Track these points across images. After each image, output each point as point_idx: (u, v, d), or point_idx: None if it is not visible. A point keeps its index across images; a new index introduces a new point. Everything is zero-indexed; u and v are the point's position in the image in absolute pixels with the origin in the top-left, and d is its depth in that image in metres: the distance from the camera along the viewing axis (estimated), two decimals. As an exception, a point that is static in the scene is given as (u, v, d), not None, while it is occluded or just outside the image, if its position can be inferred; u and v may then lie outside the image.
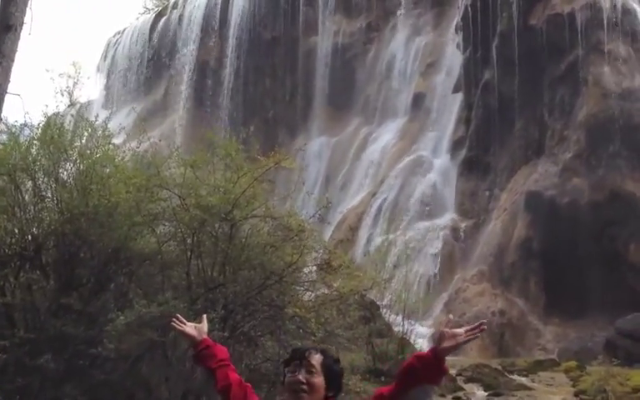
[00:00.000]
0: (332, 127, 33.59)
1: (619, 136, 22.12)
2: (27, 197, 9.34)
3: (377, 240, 23.91)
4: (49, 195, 9.41)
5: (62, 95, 42.31)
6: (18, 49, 6.93)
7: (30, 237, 9.20)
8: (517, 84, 25.21)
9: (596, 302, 19.99)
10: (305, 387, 2.51)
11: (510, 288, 22.14)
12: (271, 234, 9.46)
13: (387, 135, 31.18)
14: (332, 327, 9.21)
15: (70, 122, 10.96)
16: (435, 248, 24.20)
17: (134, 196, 8.95)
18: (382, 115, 32.37)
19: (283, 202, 11.70)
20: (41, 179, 9.40)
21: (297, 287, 9.62)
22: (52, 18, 71.50)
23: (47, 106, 12.30)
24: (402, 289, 15.17)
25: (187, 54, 38.81)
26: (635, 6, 24.44)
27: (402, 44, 33.27)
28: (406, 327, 14.60)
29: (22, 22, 6.97)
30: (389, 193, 27.26)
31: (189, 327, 2.95)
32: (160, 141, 12.24)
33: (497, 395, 13.92)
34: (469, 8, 27.57)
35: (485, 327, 2.46)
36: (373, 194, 28.04)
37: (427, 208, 26.06)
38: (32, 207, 9.34)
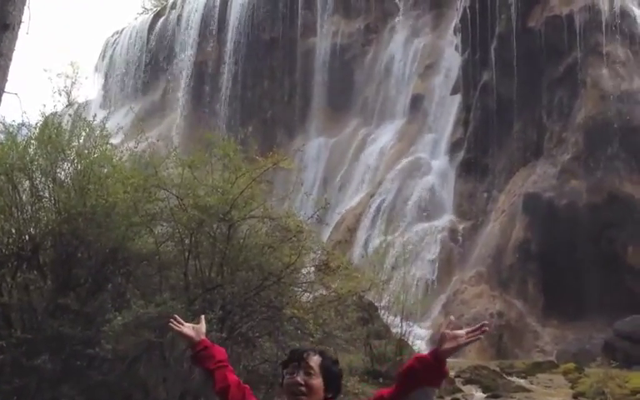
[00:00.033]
0: (330, 129, 33.59)
1: (617, 138, 22.15)
2: (24, 197, 9.31)
3: (376, 241, 23.90)
4: (47, 195, 9.38)
5: (60, 95, 42.26)
6: (16, 48, 6.89)
7: (27, 237, 9.17)
8: (515, 86, 25.24)
9: (594, 303, 20.00)
10: (304, 388, 2.49)
11: (508, 290, 22.14)
12: (269, 235, 9.44)
13: (386, 136, 31.18)
14: (330, 329, 9.19)
15: (68, 121, 10.93)
16: (433, 250, 24.21)
17: (132, 196, 8.92)
18: (380, 116, 32.38)
19: (281, 203, 11.68)
20: (38, 179, 9.37)
21: (296, 288, 9.61)
22: (50, 18, 71.47)
23: (44, 106, 12.24)
24: (400, 291, 15.15)
25: (186, 55, 38.79)
26: (634, 8, 24.50)
27: (400, 46, 33.30)
28: (404, 328, 14.59)
29: (20, 21, 6.93)
30: (387, 195, 27.27)
31: (187, 328, 2.93)
32: (158, 141, 12.22)
33: (496, 397, 13.91)
34: (468, 10, 27.59)
35: (487, 328, 2.44)
36: (371, 195, 28.04)
37: (426, 210, 26.07)
38: (29, 207, 9.30)
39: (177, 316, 3.01)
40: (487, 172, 26.18)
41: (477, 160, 26.62)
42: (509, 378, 15.61)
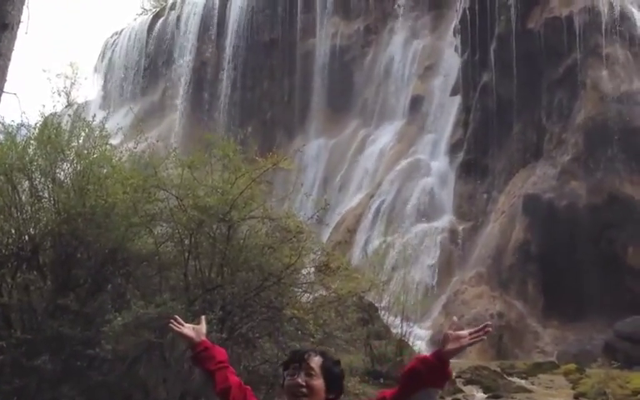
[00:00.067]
0: (329, 130, 33.58)
1: (617, 139, 22.16)
2: (23, 198, 9.30)
3: (375, 242, 23.89)
4: (46, 195, 9.37)
5: (60, 95, 42.21)
6: (15, 48, 6.88)
7: (27, 237, 9.16)
8: (515, 87, 25.24)
9: (594, 304, 20.00)
10: (305, 390, 2.47)
11: (508, 291, 22.14)
12: (269, 235, 9.43)
13: (385, 137, 31.18)
14: (330, 329, 9.18)
15: (67, 122, 10.91)
16: (433, 251, 24.20)
17: (131, 196, 8.91)
18: (379, 117, 32.37)
19: (281, 204, 11.67)
20: (38, 179, 9.36)
21: (296, 289, 9.59)
22: (50, 18, 71.44)
23: (44, 106, 12.25)
24: (400, 291, 15.15)
25: (185, 56, 38.78)
26: (633, 10, 24.51)
27: (400, 47, 33.30)
28: (404, 329, 14.59)
29: (19, 21, 6.91)
30: (387, 196, 27.26)
31: (187, 329, 2.91)
32: (157, 141, 12.19)
33: (497, 397, 13.90)
34: (467, 11, 27.60)
35: (490, 328, 2.42)
36: (371, 196, 28.03)
37: (425, 211, 26.06)
38: (28, 208, 9.29)
39: (177, 316, 2.99)
40: (487, 173, 26.18)
41: (476, 161, 26.62)
42: (510, 379, 15.60)
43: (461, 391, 13.97)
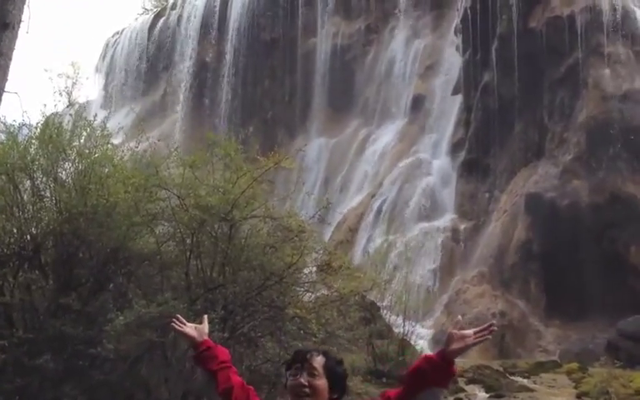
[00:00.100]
0: (331, 129, 33.55)
1: (619, 138, 22.11)
2: (25, 197, 9.30)
3: (377, 241, 23.86)
4: (48, 195, 9.37)
5: (61, 95, 42.20)
6: (16, 47, 6.87)
7: (29, 236, 9.16)
8: (516, 86, 25.19)
9: (596, 303, 19.95)
10: (307, 390, 2.45)
11: (510, 290, 22.10)
12: (270, 235, 9.42)
13: (387, 137, 31.14)
14: (332, 328, 9.17)
15: (68, 121, 10.91)
16: (435, 250, 24.16)
17: (133, 196, 8.91)
18: (381, 117, 32.33)
19: (283, 203, 11.66)
20: (39, 179, 9.36)
21: (298, 288, 9.59)
22: (51, 17, 71.47)
23: (45, 105, 12.23)
24: (402, 290, 15.12)
25: (186, 55, 38.77)
26: (635, 9, 24.44)
27: (401, 46, 33.25)
28: (406, 328, 14.55)
29: (20, 20, 6.90)
30: (389, 195, 27.23)
31: (189, 328, 2.89)
32: (159, 141, 12.19)
33: (499, 397, 13.86)
34: (469, 11, 27.55)
35: (495, 328, 2.40)
36: (373, 196, 28.00)
37: (427, 210, 26.02)
38: (30, 207, 9.29)
39: (179, 316, 2.97)
40: (489, 172, 26.13)
41: (478, 160, 26.57)
42: (512, 378, 15.56)
43: (463, 390, 13.93)
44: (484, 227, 24.67)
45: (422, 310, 19.74)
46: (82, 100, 42.13)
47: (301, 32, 35.77)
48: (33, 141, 9.52)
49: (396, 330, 14.58)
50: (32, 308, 8.79)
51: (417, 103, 31.00)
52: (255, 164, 9.89)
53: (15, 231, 9.13)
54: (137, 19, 45.01)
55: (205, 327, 2.91)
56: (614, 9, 23.97)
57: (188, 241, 9.13)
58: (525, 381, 15.47)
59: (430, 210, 26.05)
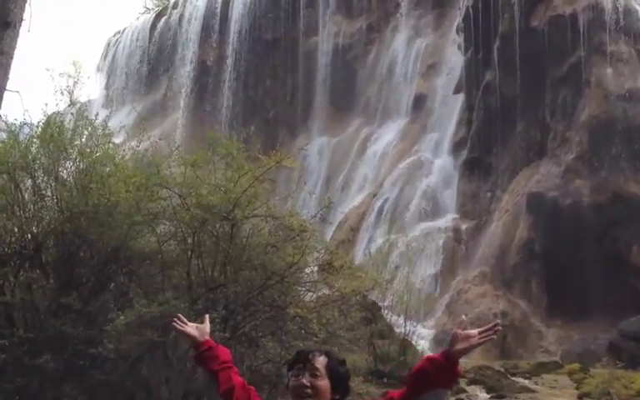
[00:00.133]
0: (332, 128, 33.53)
1: (621, 137, 22.05)
2: (26, 196, 9.29)
3: (379, 241, 23.83)
4: (49, 194, 9.36)
5: (62, 94, 42.19)
6: (17, 46, 6.85)
7: (30, 235, 9.15)
8: (518, 85, 25.13)
9: (598, 303, 19.90)
10: (309, 391, 2.43)
11: (512, 290, 22.05)
12: (272, 234, 9.40)
13: (388, 136, 31.10)
14: (333, 328, 9.15)
15: (70, 120, 10.90)
16: (436, 250, 24.11)
17: (134, 195, 8.89)
18: (382, 116, 32.30)
19: (284, 202, 11.64)
20: (40, 178, 9.35)
21: (299, 288, 9.57)
22: (52, 16, 71.48)
23: (46, 104, 12.21)
24: (403, 290, 15.09)
25: (188, 54, 38.77)
26: (637, 7, 24.36)
27: (402, 45, 33.21)
28: (407, 328, 14.52)
29: (22, 19, 6.88)
30: (390, 194, 27.19)
31: (191, 328, 2.86)
32: (160, 140, 12.18)
33: (500, 397, 13.83)
34: (470, 9, 27.50)
35: (500, 328, 2.37)
36: (374, 195, 27.97)
37: (429, 210, 25.97)
38: (31, 206, 9.28)
39: (180, 315, 2.95)
40: (491, 171, 26.08)
41: (480, 159, 26.52)
42: (514, 379, 15.52)
43: (464, 391, 13.90)
44: (486, 226, 24.63)
45: (424, 310, 19.72)
46: (83, 99, 42.12)
47: (302, 31, 35.75)
48: (35, 140, 9.51)
49: (397, 330, 14.55)
50: (32, 308, 8.78)
51: (419, 102, 30.96)
52: (256, 163, 9.86)
53: (16, 230, 9.12)
54: (138, 18, 45.03)
55: (206, 326, 2.88)
56: (617, 8, 23.91)
57: (190, 240, 9.11)
58: (526, 382, 15.44)
59: (431, 210, 26.01)
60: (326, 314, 9.13)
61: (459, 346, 2.35)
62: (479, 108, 26.90)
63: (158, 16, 41.88)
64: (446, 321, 20.96)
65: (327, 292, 9.76)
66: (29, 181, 9.32)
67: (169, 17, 40.84)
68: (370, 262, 16.98)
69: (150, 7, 46.15)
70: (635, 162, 21.79)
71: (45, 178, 9.35)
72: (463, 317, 2.50)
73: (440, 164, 28.09)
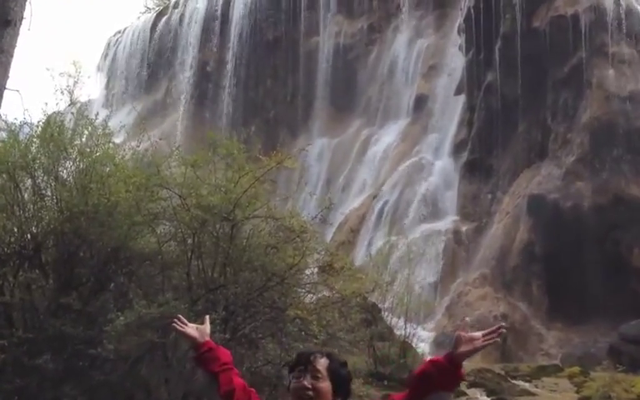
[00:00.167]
0: (333, 129, 33.51)
1: (623, 139, 22.02)
2: (26, 196, 9.27)
3: (379, 242, 23.79)
4: (49, 193, 9.34)
5: (63, 94, 42.18)
6: (17, 45, 6.82)
7: (29, 235, 9.13)
8: (519, 86, 25.11)
9: (599, 306, 19.86)
10: (311, 393, 2.41)
11: (512, 292, 22.01)
12: (272, 235, 9.37)
13: (389, 137, 31.08)
14: (333, 330, 9.12)
15: (70, 120, 10.88)
16: (437, 251, 24.08)
17: (134, 195, 8.87)
18: (383, 117, 32.28)
19: (284, 203, 11.61)
20: (40, 177, 9.33)
21: (299, 289, 9.54)
22: (53, 15, 71.43)
23: (46, 104, 12.20)
24: (403, 292, 15.05)
25: (188, 54, 38.77)
26: (639, 8, 24.34)
27: (404, 46, 33.20)
28: (407, 330, 14.48)
29: (22, 18, 6.85)
30: (391, 196, 27.16)
31: (191, 329, 2.84)
32: (160, 140, 12.15)
33: (501, 400, 13.79)
34: (472, 10, 27.48)
35: (504, 330, 2.34)
36: (375, 196, 27.94)
37: (429, 211, 25.94)
38: (31, 206, 9.26)
39: (180, 316, 2.92)
40: (492, 173, 26.05)
41: (481, 161, 26.49)
42: (514, 382, 15.49)
43: (464, 394, 13.86)
44: (486, 228, 24.59)
45: (424, 312, 19.67)
46: (83, 99, 42.11)
47: (303, 31, 35.74)
48: (34, 139, 9.49)
49: (397, 332, 14.51)
50: (32, 308, 8.76)
51: (420, 103, 30.94)
52: (257, 164, 9.84)
53: (16, 230, 9.10)
54: (139, 18, 45.00)
55: (207, 327, 2.86)
56: (618, 9, 23.88)
57: (190, 241, 9.08)
58: (527, 385, 15.40)
59: (432, 211, 25.98)
60: (326, 316, 9.10)
61: (463, 348, 2.32)
62: (480, 109, 26.87)
63: (159, 15, 41.87)
64: (446, 323, 20.93)
65: (327, 293, 9.73)
66: (29, 180, 9.30)
67: (170, 17, 40.84)
68: (370, 263, 16.94)
69: (151, 6, 46.15)
70: (636, 164, 21.76)
71: (45, 178, 9.33)
72: (467, 319, 2.47)
73: (441, 166, 28.06)
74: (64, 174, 9.37)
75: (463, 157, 27.27)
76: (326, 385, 2.43)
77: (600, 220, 21.15)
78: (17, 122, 10.16)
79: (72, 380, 8.12)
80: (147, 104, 37.79)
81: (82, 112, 11.04)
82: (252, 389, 2.68)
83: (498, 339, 2.35)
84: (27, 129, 10.02)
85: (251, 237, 9.15)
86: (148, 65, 40.45)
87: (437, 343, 19.30)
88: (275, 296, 9.00)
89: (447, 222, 25.44)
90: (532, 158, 24.51)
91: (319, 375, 2.43)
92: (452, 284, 23.21)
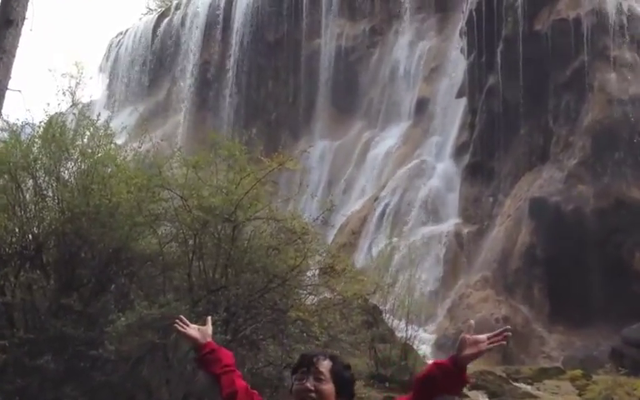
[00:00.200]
0: (334, 131, 33.50)
1: (625, 143, 21.99)
2: (27, 196, 9.27)
3: (380, 245, 23.75)
4: (50, 194, 9.34)
5: (64, 94, 42.20)
6: (19, 45, 6.82)
7: (30, 236, 9.13)
8: (521, 90, 25.09)
9: (600, 309, 19.82)
10: (314, 395, 2.40)
11: (514, 295, 21.97)
12: (274, 236, 9.36)
13: (391, 139, 31.06)
14: (335, 332, 9.11)
15: (72, 121, 10.89)
16: (438, 254, 24.05)
17: (136, 196, 8.86)
18: (385, 119, 32.26)
19: (286, 205, 11.61)
20: (42, 178, 9.33)
21: (300, 291, 9.53)
22: (54, 16, 71.48)
23: (48, 104, 12.21)
24: (405, 294, 15.01)
25: (190, 55, 38.81)
26: (641, 12, 24.33)
27: (405, 48, 33.19)
28: (409, 332, 14.44)
29: (24, 18, 6.86)
30: (392, 198, 27.13)
31: (192, 330, 2.82)
32: (162, 141, 12.17)
33: (502, 403, 13.75)
34: (474, 13, 27.48)
35: (509, 333, 2.33)
36: (376, 199, 27.91)
37: (431, 214, 25.91)
38: (32, 206, 9.26)
39: (182, 316, 2.91)
40: (493, 176, 26.02)
41: (482, 164, 26.46)
42: (515, 384, 15.44)
43: (466, 396, 13.80)
44: (488, 231, 24.55)
45: (425, 315, 19.64)
46: (85, 100, 42.04)
47: (305, 33, 35.75)
48: (36, 140, 9.49)
49: (398, 334, 14.47)
50: (33, 308, 8.75)
51: (422, 106, 30.93)
52: (259, 165, 9.84)
53: (17, 230, 9.10)
54: (141, 19, 45.03)
55: (208, 328, 2.84)
56: (621, 12, 23.86)
57: (191, 242, 9.08)
58: (528, 387, 15.35)
59: (433, 214, 25.94)
60: (327, 317, 9.09)
61: (467, 351, 2.31)
62: (482, 112, 26.85)
63: (161, 17, 41.91)
64: (447, 325, 20.88)
65: (328, 295, 9.73)
66: (30, 181, 9.30)
67: (172, 18, 40.87)
68: (371, 266, 16.92)
69: (153, 7, 46.20)
70: (638, 168, 21.71)
71: (46, 179, 9.34)
72: (471, 321, 2.46)
73: (442, 168, 28.03)
74: (66, 175, 9.37)
75: (465, 159, 27.24)
76: (329, 387, 2.41)
77: (602, 223, 21.11)
78: (19, 123, 10.17)
79: (73, 381, 8.11)
80: (148, 105, 37.81)
81: (83, 112, 11.03)
82: (255, 391, 2.66)
83: (504, 342, 2.33)
84: (28, 130, 10.03)
85: (252, 238, 9.15)
86: (150, 66, 40.49)
87: (438, 345, 19.26)
88: (276, 297, 8.99)
89: (448, 225, 25.41)
90: (533, 161, 24.47)
91: (322, 377, 2.41)
92: (454, 287, 23.17)
